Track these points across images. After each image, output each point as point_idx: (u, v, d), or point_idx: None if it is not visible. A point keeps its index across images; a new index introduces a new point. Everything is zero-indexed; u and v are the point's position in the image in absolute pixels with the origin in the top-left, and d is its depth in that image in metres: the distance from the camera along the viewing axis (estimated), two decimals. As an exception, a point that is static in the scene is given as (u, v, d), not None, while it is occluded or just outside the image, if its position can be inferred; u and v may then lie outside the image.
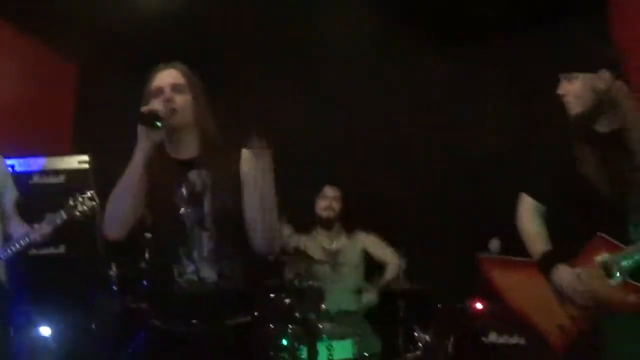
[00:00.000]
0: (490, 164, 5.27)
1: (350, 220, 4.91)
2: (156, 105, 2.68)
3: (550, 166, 3.11)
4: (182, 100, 2.74)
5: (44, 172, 4.97)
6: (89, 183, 4.75)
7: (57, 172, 4.96)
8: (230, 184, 2.74)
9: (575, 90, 2.97)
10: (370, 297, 4.94)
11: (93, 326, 4.63)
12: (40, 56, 5.63)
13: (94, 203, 3.80)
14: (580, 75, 2.95)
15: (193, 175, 2.73)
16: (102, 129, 5.67)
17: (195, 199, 2.70)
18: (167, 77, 2.78)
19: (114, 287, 4.47)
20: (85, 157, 4.96)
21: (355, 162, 5.62)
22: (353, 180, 5.49)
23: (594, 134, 2.96)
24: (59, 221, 3.75)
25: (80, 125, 5.87)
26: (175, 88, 2.75)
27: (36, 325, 4.70)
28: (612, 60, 2.97)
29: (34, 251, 4.25)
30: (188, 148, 2.78)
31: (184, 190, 2.71)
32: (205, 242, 2.69)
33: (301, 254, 4.47)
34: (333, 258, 4.94)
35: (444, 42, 5.35)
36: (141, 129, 2.62)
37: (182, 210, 2.70)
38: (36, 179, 4.97)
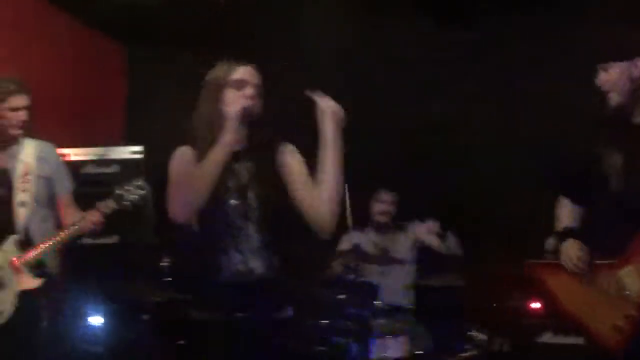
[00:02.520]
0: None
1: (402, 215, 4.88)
2: (249, 104, 2.73)
3: (578, 164, 3.10)
4: (259, 102, 2.80)
5: (98, 162, 5.00)
6: (141, 173, 4.78)
7: (110, 162, 5.00)
8: (273, 176, 2.75)
9: (612, 80, 2.92)
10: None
11: (144, 317, 4.63)
12: (90, 43, 5.65)
13: (143, 192, 3.77)
14: (616, 64, 2.90)
15: (238, 167, 2.75)
16: (155, 116, 5.68)
17: (240, 191, 2.71)
18: (250, 74, 2.81)
19: (166, 278, 4.46)
20: (139, 148, 5.00)
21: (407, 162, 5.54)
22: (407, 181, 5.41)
23: (630, 126, 2.90)
24: (107, 210, 3.74)
25: (133, 113, 5.88)
26: (256, 88, 2.80)
27: (88, 315, 4.74)
28: None
29: (87, 240, 4.27)
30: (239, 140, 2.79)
31: (230, 182, 2.72)
32: (252, 234, 2.70)
33: (354, 249, 4.44)
34: (385, 253, 4.90)
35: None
36: (235, 124, 2.67)
37: (229, 201, 2.71)
38: (89, 169, 5.00)
